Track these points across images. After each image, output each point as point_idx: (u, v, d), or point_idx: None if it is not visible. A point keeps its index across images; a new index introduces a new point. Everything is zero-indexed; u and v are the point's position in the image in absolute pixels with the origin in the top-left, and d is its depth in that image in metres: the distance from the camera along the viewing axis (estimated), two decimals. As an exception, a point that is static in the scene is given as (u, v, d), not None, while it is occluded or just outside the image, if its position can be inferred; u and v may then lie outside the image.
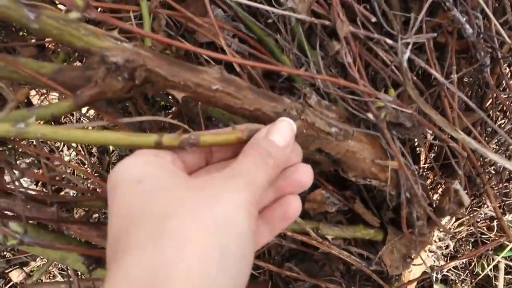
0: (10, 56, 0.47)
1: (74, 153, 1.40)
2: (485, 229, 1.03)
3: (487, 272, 1.10)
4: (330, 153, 0.54)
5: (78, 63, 1.05)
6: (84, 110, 1.38)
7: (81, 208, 1.01)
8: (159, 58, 0.44)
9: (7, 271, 0.98)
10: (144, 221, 0.29)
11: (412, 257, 0.69)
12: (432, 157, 0.80)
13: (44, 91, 1.13)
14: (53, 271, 1.29)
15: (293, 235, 0.60)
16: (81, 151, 1.29)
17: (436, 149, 0.81)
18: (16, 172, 0.53)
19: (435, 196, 0.85)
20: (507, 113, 0.80)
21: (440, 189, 0.85)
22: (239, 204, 0.31)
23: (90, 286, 0.69)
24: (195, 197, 0.31)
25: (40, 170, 1.26)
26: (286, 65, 0.58)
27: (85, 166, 1.39)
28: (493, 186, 0.82)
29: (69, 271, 1.28)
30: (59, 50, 0.94)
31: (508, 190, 0.92)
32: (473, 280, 1.12)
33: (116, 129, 0.76)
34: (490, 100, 0.73)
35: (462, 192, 0.59)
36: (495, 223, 0.99)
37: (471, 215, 0.84)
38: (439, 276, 1.11)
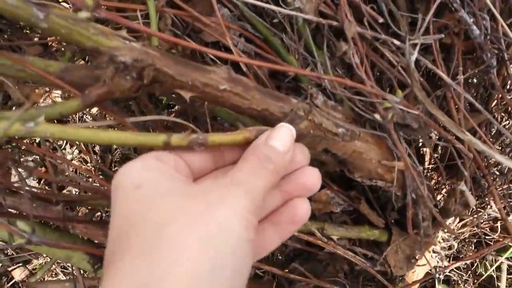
0: (16, 55, 0.47)
1: (76, 151, 1.40)
2: (488, 230, 1.03)
3: (489, 271, 1.10)
4: (336, 154, 0.54)
5: (81, 62, 1.05)
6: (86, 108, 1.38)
7: (84, 207, 1.01)
8: (167, 57, 0.44)
9: (10, 269, 0.98)
10: (141, 229, 0.30)
11: (417, 257, 0.69)
12: (436, 158, 0.80)
13: (47, 88, 1.13)
14: (55, 269, 1.29)
15: (299, 235, 0.60)
16: (84, 149, 1.29)
17: (440, 150, 0.81)
18: (22, 171, 0.53)
19: (438, 197, 0.85)
20: (512, 114, 0.80)
21: (444, 190, 0.85)
22: (237, 213, 0.31)
23: (94, 285, 0.69)
24: (191, 207, 0.31)
25: (42, 168, 1.26)
26: (292, 65, 0.58)
27: (88, 164, 1.39)
28: (497, 187, 0.82)
29: (71, 269, 1.28)
30: (62, 48, 0.94)
31: (512, 191, 0.92)
32: (475, 281, 1.12)
33: (121, 128, 0.76)
34: (495, 101, 0.73)
35: (468, 194, 0.59)
36: (498, 224, 0.99)
37: (475, 216, 0.84)
38: (441, 277, 1.11)
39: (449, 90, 0.59)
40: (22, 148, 0.82)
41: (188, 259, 0.28)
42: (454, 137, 0.59)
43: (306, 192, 0.41)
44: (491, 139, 0.77)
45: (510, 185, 0.81)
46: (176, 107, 1.28)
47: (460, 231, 0.88)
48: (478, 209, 0.87)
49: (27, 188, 0.60)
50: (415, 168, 0.57)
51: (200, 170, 0.39)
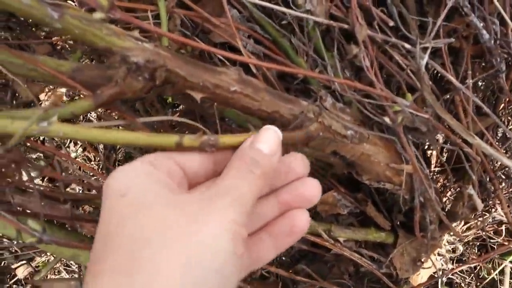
0: (27, 54, 0.48)
1: (80, 149, 1.40)
2: (492, 233, 1.03)
3: (492, 275, 1.10)
4: (345, 156, 0.54)
5: (86, 61, 1.06)
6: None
7: (89, 205, 1.01)
8: (179, 58, 0.45)
9: (14, 266, 0.98)
10: (122, 245, 0.29)
11: (422, 260, 0.69)
12: (442, 161, 0.80)
13: (50, 86, 1.13)
14: (58, 267, 1.29)
15: (305, 236, 0.60)
16: (88, 147, 1.29)
17: (446, 153, 0.81)
18: (31, 169, 0.54)
19: (443, 200, 0.85)
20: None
21: (449, 193, 0.85)
22: (223, 228, 0.30)
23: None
24: (175, 221, 0.29)
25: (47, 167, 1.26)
26: (301, 67, 0.58)
27: (92, 162, 1.39)
28: (503, 191, 0.82)
29: (74, 267, 1.28)
30: (67, 46, 0.95)
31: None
32: (478, 284, 1.12)
33: (127, 128, 0.76)
34: (502, 105, 0.73)
35: (476, 197, 0.59)
36: (503, 227, 0.99)
37: (480, 219, 0.84)
38: (444, 279, 1.11)
39: (458, 93, 0.59)
40: (27, 146, 0.82)
41: (168, 283, 0.27)
42: (461, 140, 0.59)
43: (306, 204, 0.39)
44: (497, 143, 0.77)
45: (516, 188, 0.81)
46: (181, 107, 1.29)
47: (464, 234, 0.89)
48: (483, 213, 0.87)
49: (35, 186, 0.60)
50: (423, 171, 0.57)
51: (198, 176, 0.37)
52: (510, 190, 0.81)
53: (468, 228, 0.90)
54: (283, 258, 0.80)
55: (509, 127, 0.82)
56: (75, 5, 0.43)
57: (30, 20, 0.72)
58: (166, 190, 0.32)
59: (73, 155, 1.36)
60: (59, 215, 0.57)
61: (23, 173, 0.44)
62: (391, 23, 0.53)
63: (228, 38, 0.62)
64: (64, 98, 1.26)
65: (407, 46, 0.52)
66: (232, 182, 0.33)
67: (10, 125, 0.37)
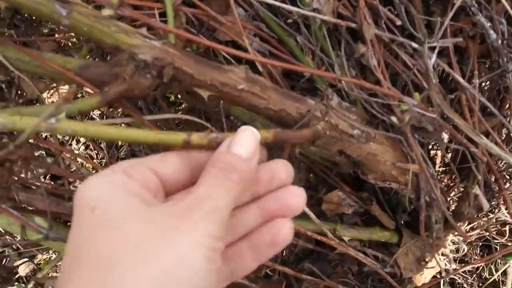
0: (34, 51, 0.47)
1: (83, 147, 1.40)
2: (494, 234, 1.03)
3: (495, 276, 1.10)
4: (351, 155, 0.54)
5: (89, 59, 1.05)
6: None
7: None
8: (187, 56, 0.44)
9: (18, 263, 0.98)
10: (90, 265, 0.27)
11: (427, 260, 0.69)
12: (447, 161, 0.79)
13: (54, 85, 1.13)
14: (59, 264, 1.29)
15: (312, 235, 0.60)
16: (91, 145, 1.29)
17: (451, 153, 0.81)
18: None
19: (447, 200, 0.85)
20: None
21: (452, 193, 0.85)
22: (197, 243, 0.28)
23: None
24: (147, 237, 0.28)
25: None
26: (308, 66, 0.58)
27: (94, 160, 1.39)
28: (507, 191, 0.82)
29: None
30: (69, 43, 0.95)
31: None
32: (480, 284, 1.12)
33: (134, 126, 0.76)
34: (507, 105, 0.73)
35: (482, 197, 0.59)
36: (507, 228, 0.99)
37: (484, 219, 0.84)
38: (446, 280, 1.11)
39: (464, 93, 0.59)
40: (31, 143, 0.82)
41: None
42: (467, 140, 0.59)
43: (290, 213, 0.37)
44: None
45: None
46: (183, 105, 1.29)
47: (468, 234, 0.88)
48: (487, 213, 0.87)
49: (41, 184, 0.60)
50: (428, 170, 0.57)
51: (175, 183, 0.36)
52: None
53: (472, 228, 0.90)
54: (288, 257, 0.80)
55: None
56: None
57: (35, 18, 0.72)
58: (139, 202, 0.30)
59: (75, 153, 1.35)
60: (65, 212, 0.57)
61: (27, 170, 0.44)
62: (399, 22, 0.53)
63: (234, 36, 0.61)
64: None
65: (414, 45, 0.52)
66: (207, 191, 0.32)
67: (18, 121, 0.37)
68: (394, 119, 0.51)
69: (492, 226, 0.99)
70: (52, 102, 1.24)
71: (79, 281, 0.27)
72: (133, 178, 0.32)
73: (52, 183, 1.32)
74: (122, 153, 1.39)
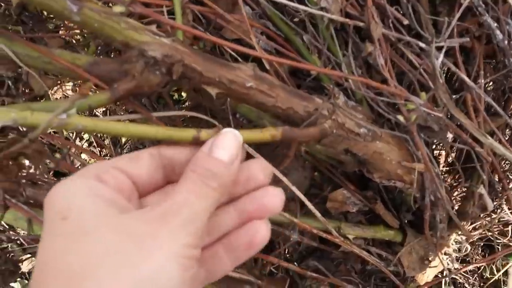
0: (43, 47, 0.48)
1: (86, 144, 1.41)
2: (496, 234, 1.03)
3: (496, 276, 1.10)
4: (357, 154, 0.54)
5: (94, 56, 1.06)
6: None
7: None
8: (196, 54, 0.45)
9: (23, 258, 0.99)
10: (58, 276, 0.26)
11: (430, 259, 0.69)
12: (451, 160, 0.80)
13: (61, 80, 1.13)
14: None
15: (318, 232, 0.60)
16: (94, 142, 1.29)
17: (455, 153, 0.81)
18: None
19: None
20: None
21: (456, 193, 0.85)
22: (173, 253, 0.27)
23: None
24: (120, 248, 0.27)
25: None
26: (315, 64, 0.58)
27: (97, 159, 1.39)
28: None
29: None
30: (73, 40, 0.95)
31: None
32: (482, 284, 1.12)
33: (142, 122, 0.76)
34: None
35: (487, 197, 0.59)
36: (509, 228, 1.00)
37: (487, 219, 0.85)
38: (447, 279, 1.11)
39: (470, 93, 0.59)
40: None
41: None
42: (472, 140, 0.59)
43: (267, 214, 0.36)
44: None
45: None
46: (187, 103, 1.29)
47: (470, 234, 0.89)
48: (490, 213, 0.87)
49: (45, 179, 0.60)
50: (434, 170, 0.57)
51: (148, 184, 0.35)
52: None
53: (474, 228, 0.90)
54: (291, 255, 0.80)
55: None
56: None
57: (42, 14, 0.72)
58: (112, 209, 0.29)
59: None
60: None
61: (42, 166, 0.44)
62: (406, 22, 0.53)
63: (241, 34, 0.62)
64: (71, 92, 1.26)
65: (422, 44, 0.53)
66: (185, 198, 0.30)
67: (30, 116, 0.37)
68: (400, 118, 0.51)
69: (494, 226, 0.99)
70: (56, 99, 1.25)
71: None
72: (106, 183, 0.31)
73: (55, 179, 1.32)
74: (125, 151, 1.39)
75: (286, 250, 0.81)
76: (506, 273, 1.09)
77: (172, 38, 0.44)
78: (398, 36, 0.53)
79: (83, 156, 1.24)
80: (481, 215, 0.83)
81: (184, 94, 1.23)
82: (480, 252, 1.12)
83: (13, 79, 0.64)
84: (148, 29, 0.43)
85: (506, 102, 0.70)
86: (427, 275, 0.80)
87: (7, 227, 0.94)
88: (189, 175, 0.32)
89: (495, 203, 0.86)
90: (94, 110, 1.40)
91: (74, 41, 0.96)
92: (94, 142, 1.34)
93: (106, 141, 1.33)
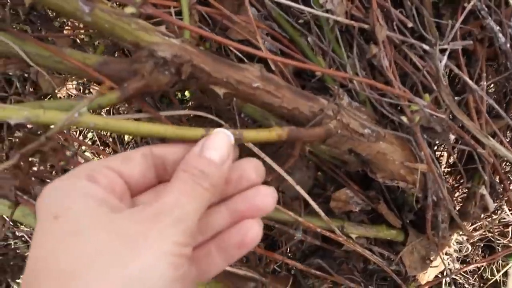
0: (53, 46, 0.49)
1: (89, 143, 1.41)
2: (497, 235, 1.04)
3: (496, 277, 1.11)
4: (361, 154, 0.55)
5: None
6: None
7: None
8: (204, 54, 0.45)
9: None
10: (49, 276, 0.26)
11: (431, 258, 0.70)
12: (453, 162, 0.81)
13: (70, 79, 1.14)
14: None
15: (322, 231, 0.61)
16: (97, 141, 1.30)
17: (457, 154, 0.82)
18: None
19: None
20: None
21: (457, 193, 0.86)
22: (163, 252, 0.28)
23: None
24: (111, 247, 0.27)
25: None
26: (320, 65, 0.59)
27: (100, 156, 1.40)
28: None
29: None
30: (78, 40, 0.95)
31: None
32: (482, 285, 1.13)
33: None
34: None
35: (488, 197, 0.60)
36: (509, 229, 1.00)
37: (488, 220, 0.86)
38: (448, 279, 1.12)
39: (472, 95, 0.60)
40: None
41: None
42: (473, 141, 0.60)
43: (258, 213, 0.37)
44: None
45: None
46: (190, 103, 1.30)
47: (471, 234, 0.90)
48: (491, 214, 0.88)
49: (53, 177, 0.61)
50: (436, 170, 0.58)
51: (139, 184, 0.35)
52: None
53: (474, 229, 0.91)
54: (294, 253, 0.81)
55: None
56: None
57: (50, 14, 0.73)
58: (104, 209, 0.29)
59: (82, 148, 1.36)
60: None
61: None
62: (410, 24, 0.54)
63: (246, 35, 0.63)
64: (75, 91, 1.27)
65: (425, 47, 0.53)
66: (176, 198, 0.31)
67: (42, 114, 0.38)
68: (404, 119, 0.52)
69: (494, 227, 1.00)
70: (60, 97, 1.25)
71: None
72: (98, 183, 0.31)
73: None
74: (129, 149, 1.40)
75: (289, 249, 0.81)
76: (506, 274, 1.10)
77: (181, 38, 0.45)
78: (402, 39, 0.54)
79: (87, 154, 1.25)
80: (482, 216, 0.84)
81: (187, 94, 1.24)
82: (480, 253, 1.12)
83: (21, 78, 0.65)
84: (158, 30, 0.44)
85: (508, 104, 0.71)
86: (428, 275, 0.81)
87: (11, 224, 0.95)
88: (180, 175, 0.33)
89: (495, 204, 0.87)
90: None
91: (78, 40, 0.97)
92: (97, 141, 1.34)
93: (108, 140, 1.33)
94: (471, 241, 0.98)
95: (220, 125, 0.45)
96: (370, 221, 0.73)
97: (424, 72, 0.56)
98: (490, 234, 0.98)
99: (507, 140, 0.80)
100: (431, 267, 0.75)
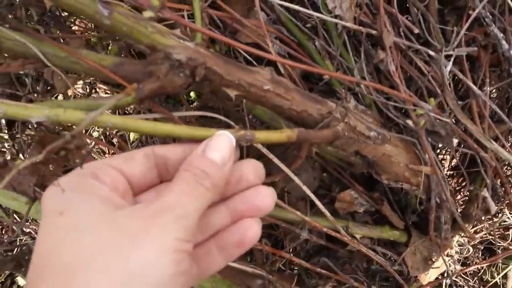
0: (68, 47, 0.50)
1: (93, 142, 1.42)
2: (497, 237, 1.05)
3: (495, 279, 1.12)
4: (366, 156, 0.56)
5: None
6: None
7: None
8: (217, 57, 0.47)
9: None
10: (54, 271, 0.27)
11: (433, 259, 0.71)
12: (455, 165, 0.82)
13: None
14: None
15: (327, 231, 0.63)
16: (103, 140, 1.31)
17: (459, 157, 0.84)
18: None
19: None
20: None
21: (459, 196, 0.87)
22: (165, 248, 0.28)
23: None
24: (113, 243, 0.27)
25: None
26: (327, 69, 0.61)
27: (106, 155, 1.41)
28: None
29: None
30: (86, 41, 0.97)
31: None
32: (481, 287, 1.14)
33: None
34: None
35: (490, 200, 0.62)
36: (510, 232, 1.02)
37: (489, 222, 0.87)
38: (448, 281, 1.13)
39: (475, 100, 0.62)
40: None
41: None
42: (476, 145, 0.61)
43: (259, 213, 0.38)
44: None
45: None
46: (195, 103, 1.31)
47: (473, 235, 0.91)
48: (492, 216, 0.89)
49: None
50: (440, 173, 0.60)
51: (141, 183, 0.36)
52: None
53: (475, 232, 0.93)
54: (299, 253, 0.82)
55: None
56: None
57: (64, 15, 0.74)
58: (107, 206, 0.30)
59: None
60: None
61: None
62: (416, 31, 0.55)
63: (256, 38, 0.64)
64: (81, 90, 1.28)
65: (431, 52, 0.55)
66: (178, 196, 0.31)
67: (62, 114, 0.39)
68: (410, 122, 0.54)
69: (495, 230, 1.01)
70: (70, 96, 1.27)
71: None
72: (101, 181, 0.32)
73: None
74: (134, 148, 1.41)
75: (294, 249, 0.83)
76: (505, 276, 1.11)
77: (195, 42, 0.46)
78: (408, 44, 0.55)
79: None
80: (484, 218, 0.85)
81: (192, 95, 1.25)
82: (480, 255, 1.14)
83: (34, 78, 0.66)
84: (173, 33, 0.45)
85: (510, 109, 0.72)
86: (430, 276, 0.83)
87: (19, 220, 0.96)
88: (182, 174, 0.33)
89: (496, 207, 0.88)
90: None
91: (86, 41, 0.98)
92: (103, 140, 1.36)
93: (114, 140, 1.35)
94: (472, 243, 1.00)
95: (229, 126, 0.47)
96: (374, 222, 0.75)
97: (429, 77, 0.58)
98: (490, 237, 0.99)
99: (509, 144, 0.81)
100: (432, 268, 0.76)
